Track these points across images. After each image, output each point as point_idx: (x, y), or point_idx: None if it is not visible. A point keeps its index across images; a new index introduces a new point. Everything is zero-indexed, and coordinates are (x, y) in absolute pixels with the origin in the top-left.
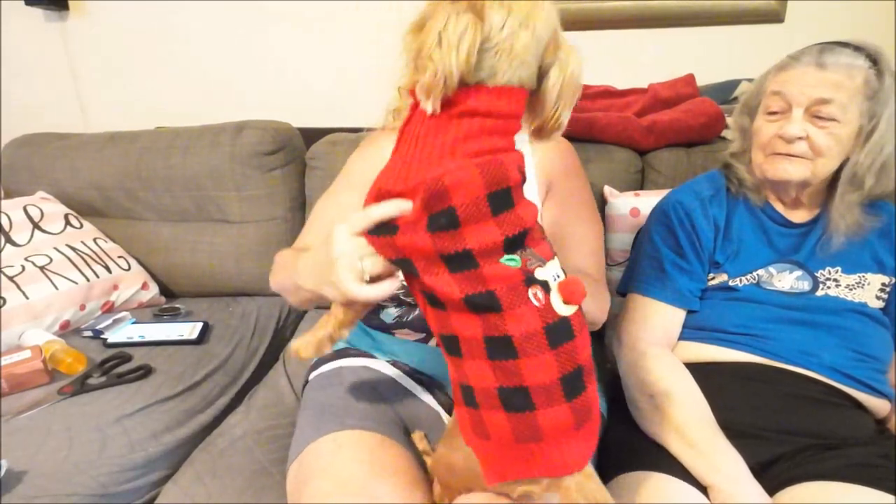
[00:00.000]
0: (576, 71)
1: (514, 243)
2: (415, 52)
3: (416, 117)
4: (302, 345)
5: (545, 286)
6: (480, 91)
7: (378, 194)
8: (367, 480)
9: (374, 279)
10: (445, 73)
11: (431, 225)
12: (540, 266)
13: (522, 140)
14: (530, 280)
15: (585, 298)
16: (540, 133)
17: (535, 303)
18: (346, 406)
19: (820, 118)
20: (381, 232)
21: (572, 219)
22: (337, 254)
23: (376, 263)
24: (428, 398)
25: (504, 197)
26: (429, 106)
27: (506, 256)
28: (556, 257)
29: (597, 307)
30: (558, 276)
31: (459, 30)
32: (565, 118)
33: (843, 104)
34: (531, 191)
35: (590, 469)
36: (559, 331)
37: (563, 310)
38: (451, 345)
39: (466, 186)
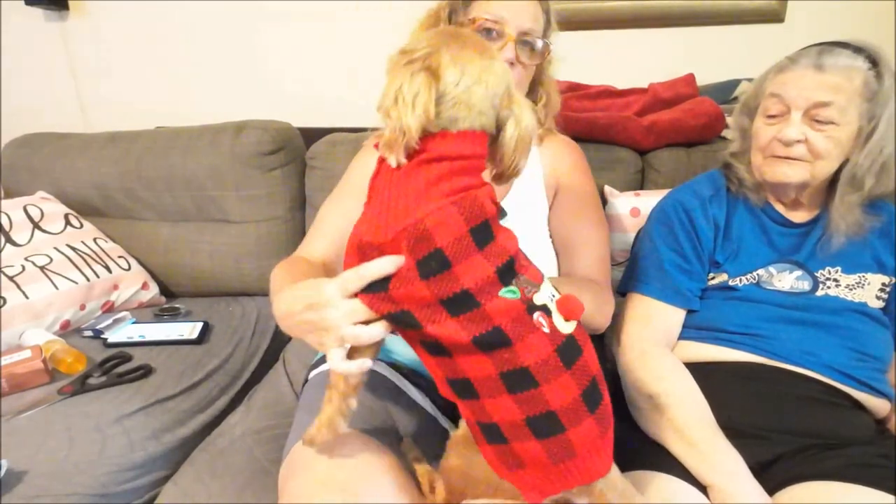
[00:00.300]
0: (529, 125)
1: (506, 273)
2: (379, 104)
3: (383, 170)
4: (313, 433)
5: (546, 309)
6: (445, 137)
7: (360, 247)
8: (348, 479)
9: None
10: (403, 130)
11: (423, 271)
12: (536, 291)
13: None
14: (532, 307)
15: (590, 306)
16: (499, 178)
17: (542, 328)
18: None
19: (818, 121)
20: (373, 289)
21: (581, 222)
22: (330, 320)
23: (372, 333)
24: (425, 402)
25: (485, 230)
26: (392, 160)
27: (503, 289)
28: (546, 278)
29: (601, 314)
30: (554, 296)
31: (414, 89)
32: (522, 165)
33: (841, 107)
34: (538, 193)
35: (613, 466)
36: (569, 349)
37: (566, 327)
38: (464, 388)
39: (448, 225)
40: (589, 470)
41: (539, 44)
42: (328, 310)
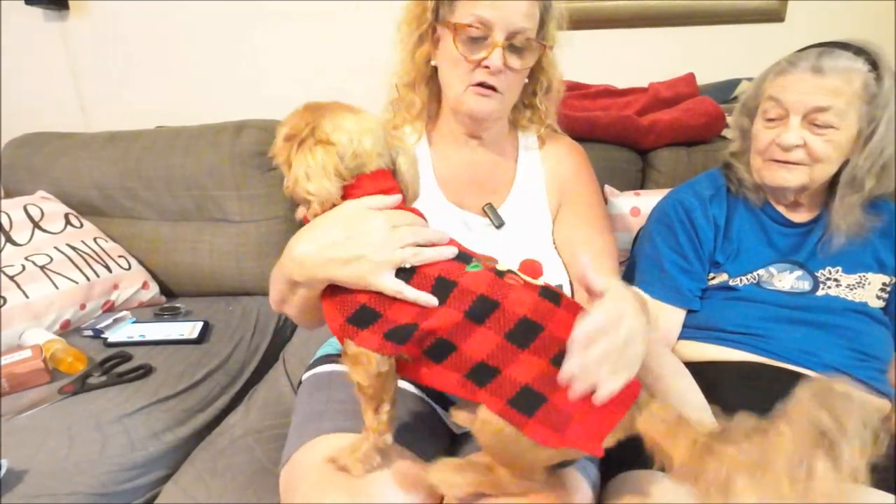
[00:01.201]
0: (413, 154)
1: (463, 257)
2: (290, 190)
3: None
4: (349, 465)
5: (512, 272)
6: (362, 179)
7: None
8: (343, 477)
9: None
10: (325, 198)
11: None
12: (496, 264)
13: (532, 146)
14: (499, 273)
15: None
16: (404, 201)
17: (518, 284)
18: (326, 411)
19: (817, 126)
20: (367, 322)
21: (593, 233)
22: (375, 243)
23: (418, 254)
24: (419, 392)
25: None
26: None
27: (467, 266)
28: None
29: None
30: (513, 267)
31: (319, 160)
32: (418, 189)
33: (840, 111)
34: (540, 200)
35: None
36: (550, 294)
37: (537, 282)
38: (484, 373)
39: None
40: (628, 387)
41: (533, 45)
42: (376, 234)
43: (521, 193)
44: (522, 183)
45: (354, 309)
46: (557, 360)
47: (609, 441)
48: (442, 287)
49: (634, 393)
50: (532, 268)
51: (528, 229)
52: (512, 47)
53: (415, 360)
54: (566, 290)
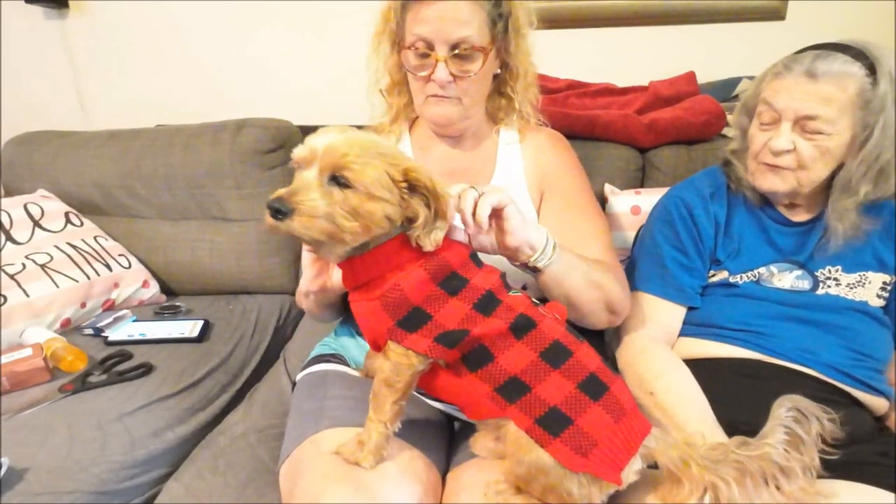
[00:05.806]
0: None
1: (507, 286)
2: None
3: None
4: (359, 458)
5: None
6: None
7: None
8: (346, 469)
9: None
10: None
11: (448, 288)
12: (531, 299)
13: (512, 141)
14: (534, 302)
15: (615, 287)
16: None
17: (549, 315)
18: (323, 408)
19: (807, 132)
20: (419, 325)
21: (579, 216)
22: None
23: None
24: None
25: (474, 259)
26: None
27: (510, 291)
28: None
29: (625, 295)
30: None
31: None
32: None
33: (831, 118)
34: (520, 194)
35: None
36: (573, 333)
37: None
38: (514, 388)
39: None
40: (642, 422)
41: (480, 50)
42: None
43: (500, 185)
44: (500, 175)
45: (406, 312)
46: (584, 385)
47: (633, 476)
48: (489, 301)
49: (648, 423)
50: (558, 309)
51: None
52: (458, 56)
53: (447, 367)
54: None
